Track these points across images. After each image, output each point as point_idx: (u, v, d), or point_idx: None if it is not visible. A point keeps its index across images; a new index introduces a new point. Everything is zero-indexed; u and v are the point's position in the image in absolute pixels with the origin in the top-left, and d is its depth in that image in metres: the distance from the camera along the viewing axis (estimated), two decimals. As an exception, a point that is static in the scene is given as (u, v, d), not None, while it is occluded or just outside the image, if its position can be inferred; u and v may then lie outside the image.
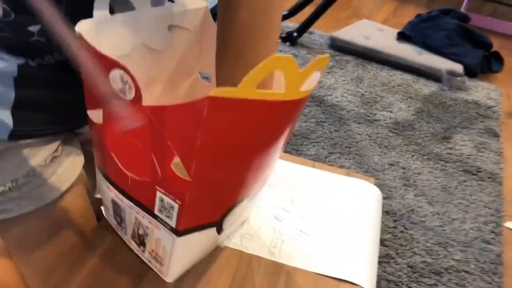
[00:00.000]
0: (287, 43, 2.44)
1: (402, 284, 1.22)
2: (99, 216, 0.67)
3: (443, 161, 1.74)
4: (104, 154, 0.54)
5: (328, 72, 2.24)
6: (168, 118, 0.45)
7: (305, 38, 2.55)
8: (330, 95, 2.04)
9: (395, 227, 1.37)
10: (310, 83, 0.44)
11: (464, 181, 1.65)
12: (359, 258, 0.67)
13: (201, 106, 0.40)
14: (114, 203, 0.58)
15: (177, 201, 0.48)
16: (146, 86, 0.56)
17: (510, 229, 1.49)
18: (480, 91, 2.39)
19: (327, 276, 0.63)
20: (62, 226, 0.67)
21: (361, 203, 0.78)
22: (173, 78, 0.61)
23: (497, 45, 2.87)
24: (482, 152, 1.85)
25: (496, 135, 1.99)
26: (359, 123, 1.87)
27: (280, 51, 2.35)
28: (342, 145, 1.70)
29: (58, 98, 0.60)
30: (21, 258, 0.69)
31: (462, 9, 3.43)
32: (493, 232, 1.44)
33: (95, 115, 0.52)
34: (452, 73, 2.40)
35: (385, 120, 1.94)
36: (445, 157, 1.76)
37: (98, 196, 0.64)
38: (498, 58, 2.76)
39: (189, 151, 0.44)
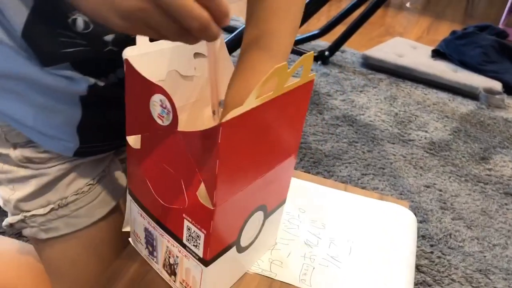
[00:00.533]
0: (319, 62, 2.43)
1: (440, 313, 1.16)
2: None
3: (482, 183, 1.67)
4: (139, 180, 0.55)
5: (361, 91, 2.21)
6: (197, 144, 0.45)
7: (337, 56, 2.54)
8: (363, 114, 2.00)
9: (431, 252, 1.32)
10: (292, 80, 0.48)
11: (505, 204, 1.58)
12: (393, 287, 0.64)
13: (214, 134, 0.42)
14: (147, 231, 0.58)
15: (203, 230, 0.49)
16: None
17: (556, 255, 1.41)
18: (520, 109, 2.31)
19: (360, 308, 0.61)
20: (101, 246, 0.69)
21: (395, 229, 0.75)
22: (196, 106, 0.61)
23: (537, 61, 2.77)
24: (524, 173, 1.77)
25: (538, 155, 1.91)
26: (393, 143, 1.83)
27: (312, 70, 2.33)
28: (375, 166, 1.66)
29: (119, 115, 0.63)
30: (55, 278, 0.70)
31: (501, 25, 3.35)
32: (538, 258, 1.36)
33: (134, 141, 0.53)
34: (490, 91, 2.32)
35: (420, 140, 1.88)
36: (484, 179, 1.70)
37: (126, 229, 0.64)
38: (538, 75, 2.66)
39: (210, 179, 0.45)
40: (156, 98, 0.46)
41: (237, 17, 2.87)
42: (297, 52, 2.49)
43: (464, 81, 2.36)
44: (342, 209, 0.78)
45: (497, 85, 2.37)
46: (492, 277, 1.27)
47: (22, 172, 0.61)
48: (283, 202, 0.64)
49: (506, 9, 3.48)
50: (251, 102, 0.43)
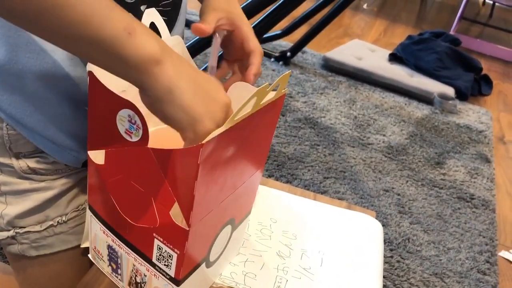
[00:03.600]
0: (280, 63, 2.44)
1: (399, 316, 1.20)
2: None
3: (437, 188, 1.73)
4: (102, 197, 0.53)
5: (321, 93, 2.23)
6: (172, 162, 0.44)
7: (297, 57, 2.55)
8: (324, 117, 2.03)
9: (391, 257, 1.36)
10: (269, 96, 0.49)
11: (459, 208, 1.65)
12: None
13: (194, 154, 0.41)
14: (110, 248, 0.56)
15: (176, 250, 0.48)
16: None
17: (504, 258, 1.49)
18: (471, 114, 2.41)
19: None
20: (86, 261, 0.65)
21: (364, 240, 0.77)
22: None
23: (485, 67, 2.91)
24: (475, 178, 1.85)
25: (488, 160, 2.00)
26: (353, 147, 1.86)
27: (273, 70, 2.34)
28: (336, 170, 1.68)
29: None
30: None
31: (452, 31, 3.47)
32: (488, 262, 1.43)
33: (97, 156, 0.51)
34: (444, 96, 2.41)
35: (378, 144, 1.93)
36: (439, 183, 1.76)
37: (85, 245, 0.62)
38: (487, 81, 2.79)
39: (186, 199, 0.44)
40: (124, 113, 0.44)
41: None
42: (259, 51, 2.48)
43: (419, 85, 2.43)
44: (312, 219, 0.79)
45: (450, 91, 2.46)
46: (447, 280, 1.32)
47: (25, 185, 0.57)
48: (249, 212, 0.64)
49: (458, 16, 3.62)
50: (230, 122, 0.43)
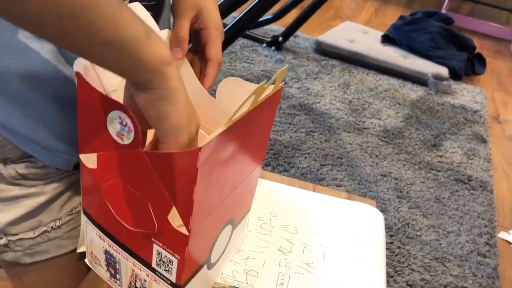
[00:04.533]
0: (273, 48, 2.40)
1: (402, 303, 1.20)
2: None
3: (434, 170, 1.72)
4: (97, 201, 0.51)
5: (315, 78, 2.21)
6: (168, 167, 0.42)
7: (289, 41, 2.52)
8: (319, 102, 2.01)
9: (391, 243, 1.35)
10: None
11: (457, 190, 1.64)
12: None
13: (192, 158, 0.39)
14: (107, 253, 0.55)
15: (176, 255, 0.47)
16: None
17: (503, 239, 1.49)
18: (466, 94, 2.39)
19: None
20: (82, 266, 0.64)
21: (365, 230, 0.76)
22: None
23: (477, 45, 2.89)
24: (472, 159, 1.84)
25: (484, 140, 1.99)
26: (349, 132, 1.84)
27: (265, 56, 2.30)
28: (333, 156, 1.67)
29: None
30: None
31: (444, 9, 3.45)
32: (488, 244, 1.43)
33: (89, 160, 0.49)
34: (438, 77, 2.39)
35: (374, 128, 1.91)
36: (436, 166, 1.75)
37: (81, 250, 0.61)
38: (480, 60, 2.77)
39: (185, 204, 0.43)
40: (114, 114, 0.43)
41: None
42: (250, 37, 2.45)
43: (413, 67, 2.41)
44: (312, 212, 0.77)
45: (444, 71, 2.45)
46: (447, 265, 1.32)
47: (15, 191, 0.56)
48: (249, 210, 0.63)
49: (449, -6, 3.59)
50: (229, 122, 0.41)
